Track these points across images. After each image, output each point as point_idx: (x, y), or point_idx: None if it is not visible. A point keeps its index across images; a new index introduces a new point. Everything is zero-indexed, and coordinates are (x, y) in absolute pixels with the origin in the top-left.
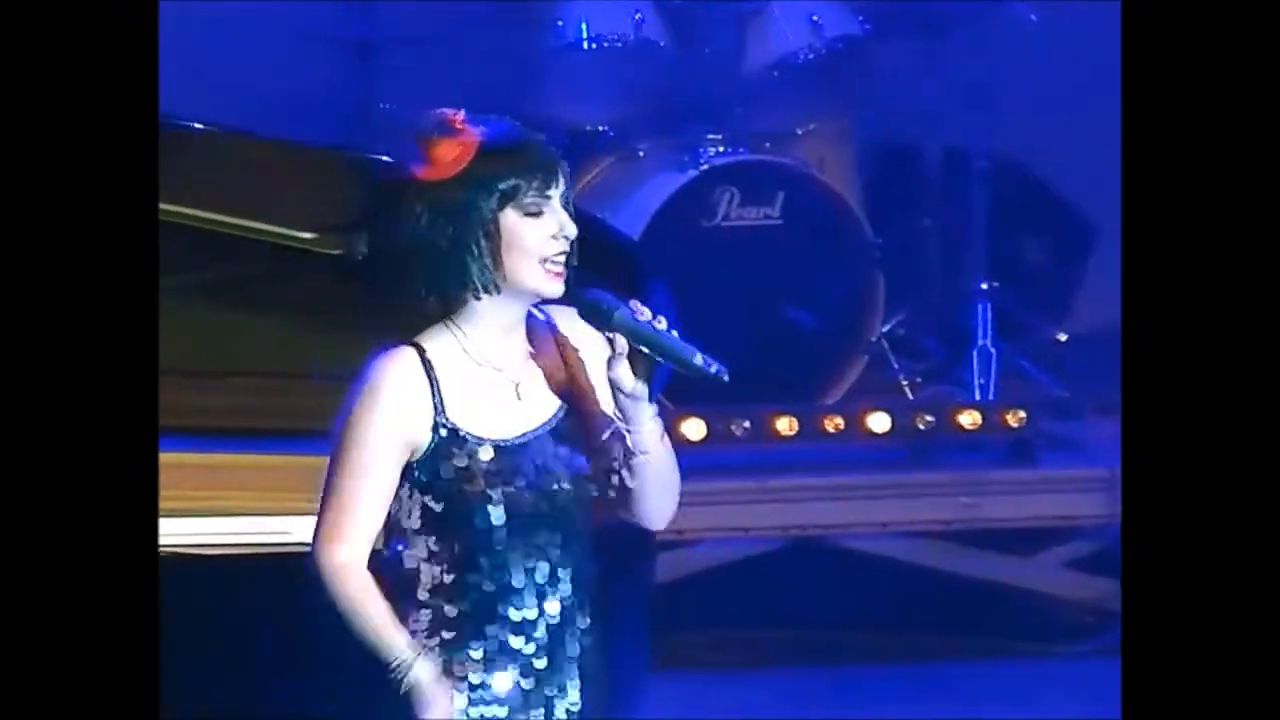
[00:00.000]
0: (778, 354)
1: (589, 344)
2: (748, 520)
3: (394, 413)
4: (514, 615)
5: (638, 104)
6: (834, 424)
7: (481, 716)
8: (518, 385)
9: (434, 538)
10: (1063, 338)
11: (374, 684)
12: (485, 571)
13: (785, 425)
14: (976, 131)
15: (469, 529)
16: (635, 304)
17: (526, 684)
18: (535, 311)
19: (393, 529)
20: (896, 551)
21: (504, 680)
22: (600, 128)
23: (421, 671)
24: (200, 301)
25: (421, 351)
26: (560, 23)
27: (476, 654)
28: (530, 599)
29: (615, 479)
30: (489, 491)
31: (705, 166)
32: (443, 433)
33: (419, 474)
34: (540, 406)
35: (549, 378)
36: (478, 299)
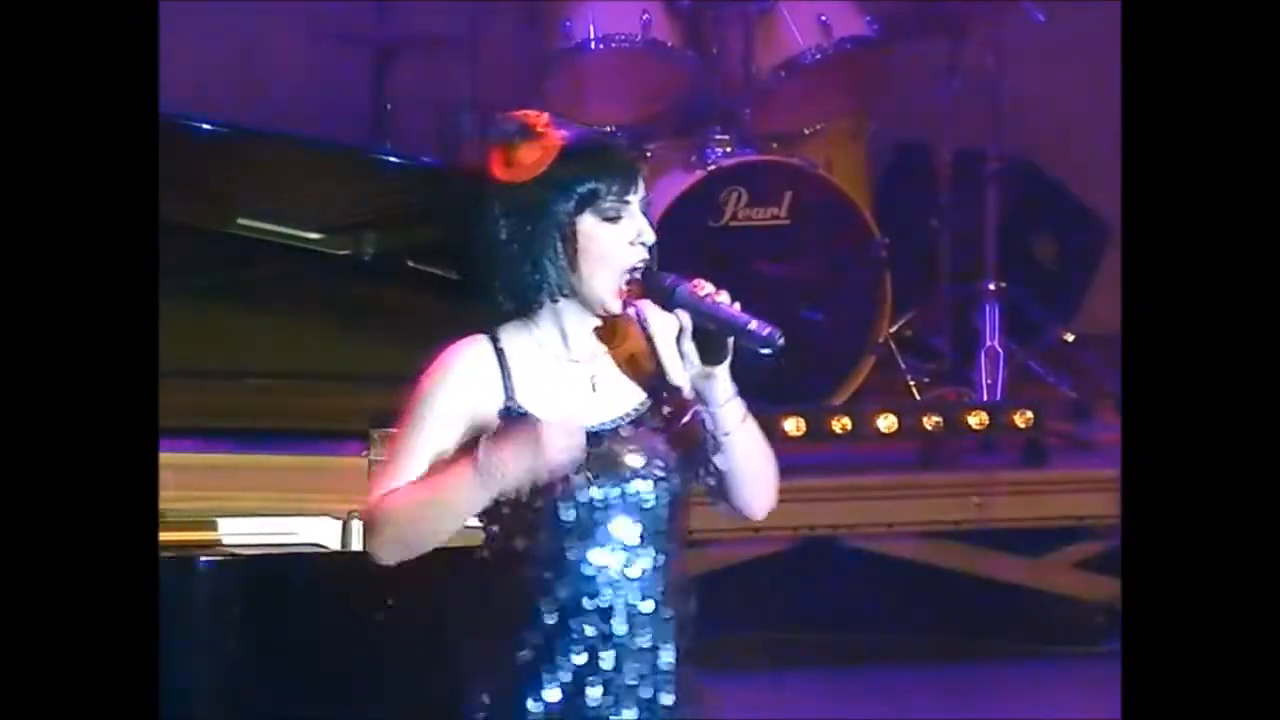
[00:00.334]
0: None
1: (667, 330)
2: (757, 520)
3: (459, 388)
4: (588, 605)
5: (645, 104)
6: (841, 425)
7: (566, 705)
8: (594, 377)
9: (516, 526)
10: (1070, 338)
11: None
12: (564, 560)
13: (793, 426)
14: (985, 131)
15: (546, 516)
16: (698, 281)
17: (606, 674)
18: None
19: (489, 528)
20: (905, 552)
21: (584, 670)
22: (608, 128)
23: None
24: (208, 302)
25: (495, 340)
26: (569, 23)
27: (563, 642)
28: (607, 588)
29: (708, 466)
30: (568, 479)
31: (713, 166)
32: (514, 416)
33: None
34: (618, 398)
35: (631, 369)
36: (554, 302)
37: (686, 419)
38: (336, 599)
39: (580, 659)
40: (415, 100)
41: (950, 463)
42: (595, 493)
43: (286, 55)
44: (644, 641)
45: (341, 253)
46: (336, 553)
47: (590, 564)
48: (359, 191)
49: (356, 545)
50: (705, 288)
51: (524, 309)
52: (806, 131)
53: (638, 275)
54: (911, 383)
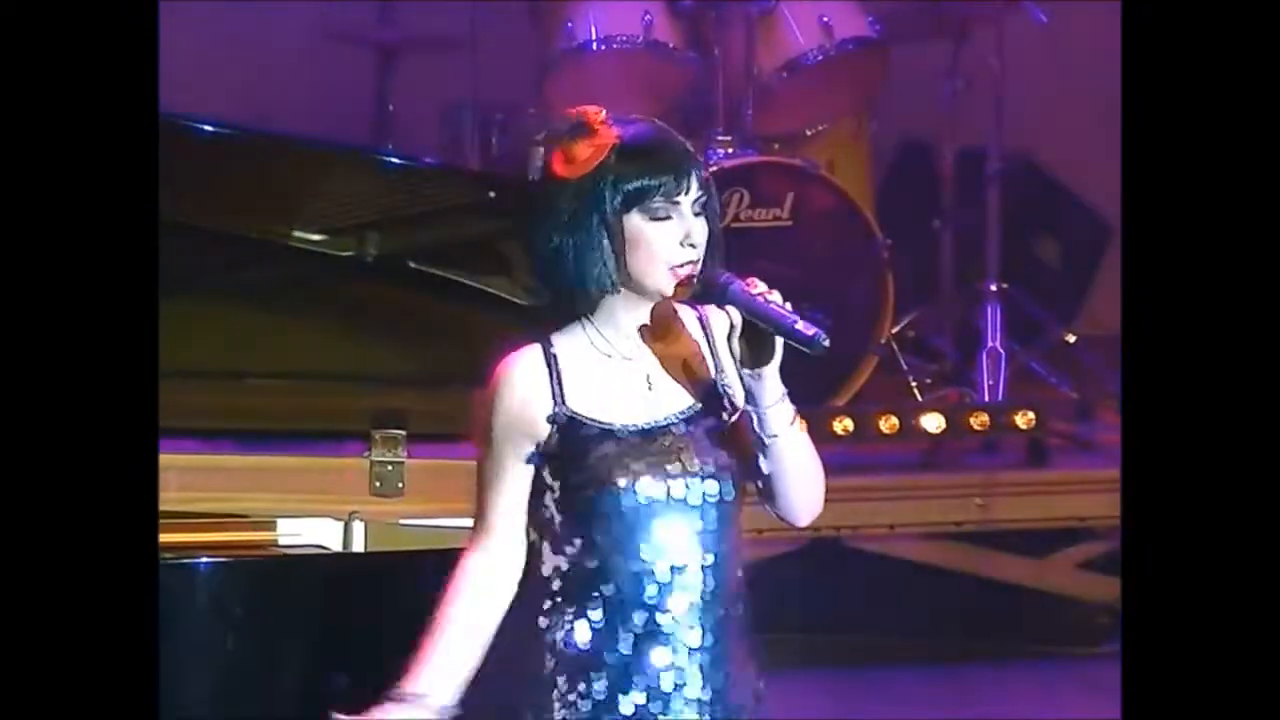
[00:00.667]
0: (786, 355)
1: (723, 329)
2: (759, 522)
3: (508, 412)
4: (635, 602)
5: (647, 105)
6: (843, 426)
7: (610, 701)
8: (649, 375)
9: (569, 525)
10: (1072, 339)
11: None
12: (615, 559)
13: None
14: (987, 132)
15: (598, 515)
16: (751, 280)
17: (652, 671)
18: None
19: (535, 519)
20: (907, 553)
21: (630, 667)
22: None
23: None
24: (208, 302)
25: (547, 346)
26: (570, 24)
27: (612, 641)
28: (653, 587)
29: (757, 469)
30: (616, 478)
31: (715, 167)
32: (562, 420)
33: (547, 462)
34: (673, 397)
35: (686, 369)
36: (602, 298)
37: (735, 418)
38: (338, 600)
39: (626, 656)
40: (417, 100)
41: (952, 464)
42: (644, 491)
43: (287, 55)
44: (692, 641)
45: (343, 253)
46: (338, 554)
47: (638, 562)
48: (360, 192)
49: (357, 546)
50: (758, 286)
51: (573, 305)
52: (808, 132)
53: (689, 273)
54: (913, 383)
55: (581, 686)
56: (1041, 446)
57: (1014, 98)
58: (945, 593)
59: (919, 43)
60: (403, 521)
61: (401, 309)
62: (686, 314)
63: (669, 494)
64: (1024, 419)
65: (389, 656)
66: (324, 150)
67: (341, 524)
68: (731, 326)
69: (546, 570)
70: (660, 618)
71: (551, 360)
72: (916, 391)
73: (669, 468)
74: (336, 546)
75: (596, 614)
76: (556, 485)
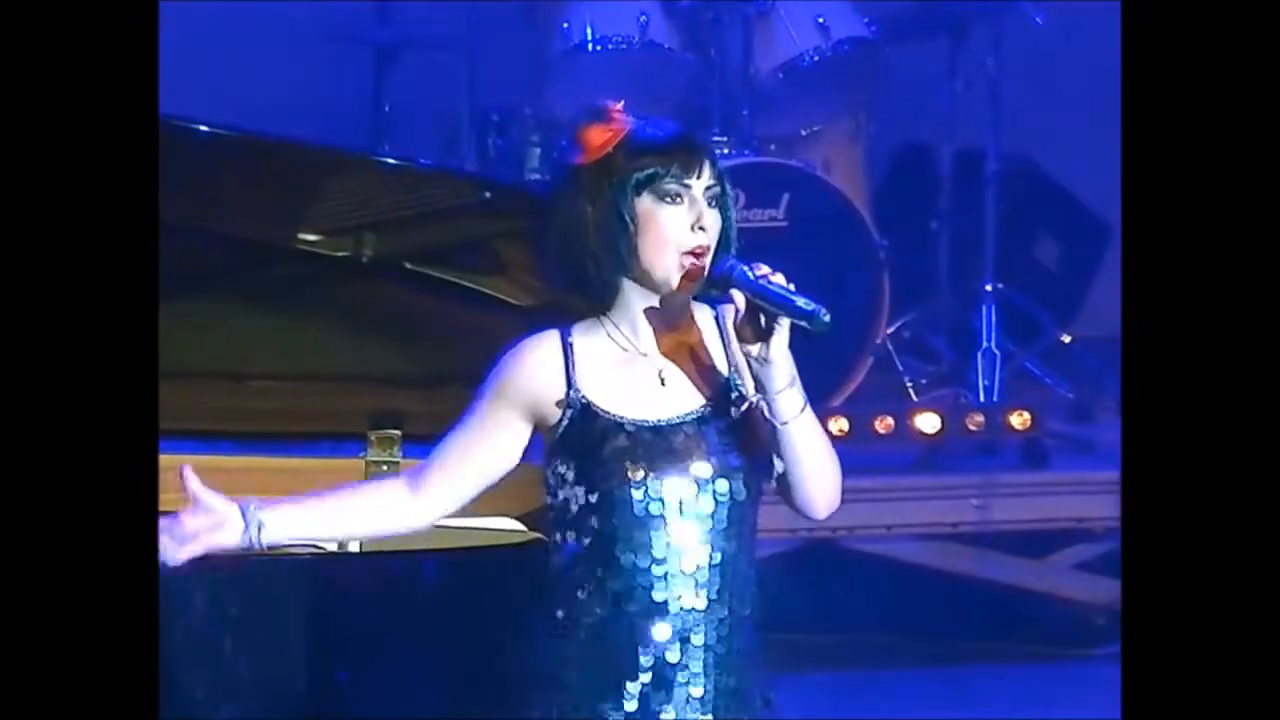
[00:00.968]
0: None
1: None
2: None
3: (514, 383)
4: (643, 600)
5: (644, 106)
6: (839, 426)
7: (616, 700)
8: (661, 371)
9: (581, 518)
10: (1067, 339)
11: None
12: (625, 554)
13: None
14: (984, 133)
15: (609, 509)
16: (758, 264)
17: (659, 670)
18: (698, 304)
19: (549, 511)
20: (904, 554)
21: (639, 663)
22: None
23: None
24: (208, 303)
25: (565, 335)
26: (566, 25)
27: (617, 637)
28: (661, 584)
29: (772, 464)
30: (628, 473)
31: None
32: (576, 405)
33: (561, 449)
34: (685, 395)
35: (700, 366)
36: (615, 284)
37: (745, 406)
38: (334, 599)
39: (632, 654)
40: (413, 101)
41: (948, 464)
42: (653, 488)
43: (286, 56)
44: (696, 640)
45: (339, 254)
46: (334, 553)
47: (646, 558)
48: (357, 193)
49: (353, 546)
50: (761, 269)
51: (587, 291)
52: (805, 133)
53: (698, 260)
54: (909, 384)
55: (587, 677)
56: (1038, 447)
57: (1011, 98)
58: (942, 594)
59: (916, 43)
60: None
61: (398, 310)
62: (702, 312)
63: (679, 492)
64: (1020, 420)
65: (388, 656)
66: (321, 151)
67: None
68: (736, 310)
69: (557, 563)
70: (665, 615)
71: (568, 348)
72: (912, 392)
73: (680, 466)
74: (333, 546)
75: (603, 608)
76: (571, 476)
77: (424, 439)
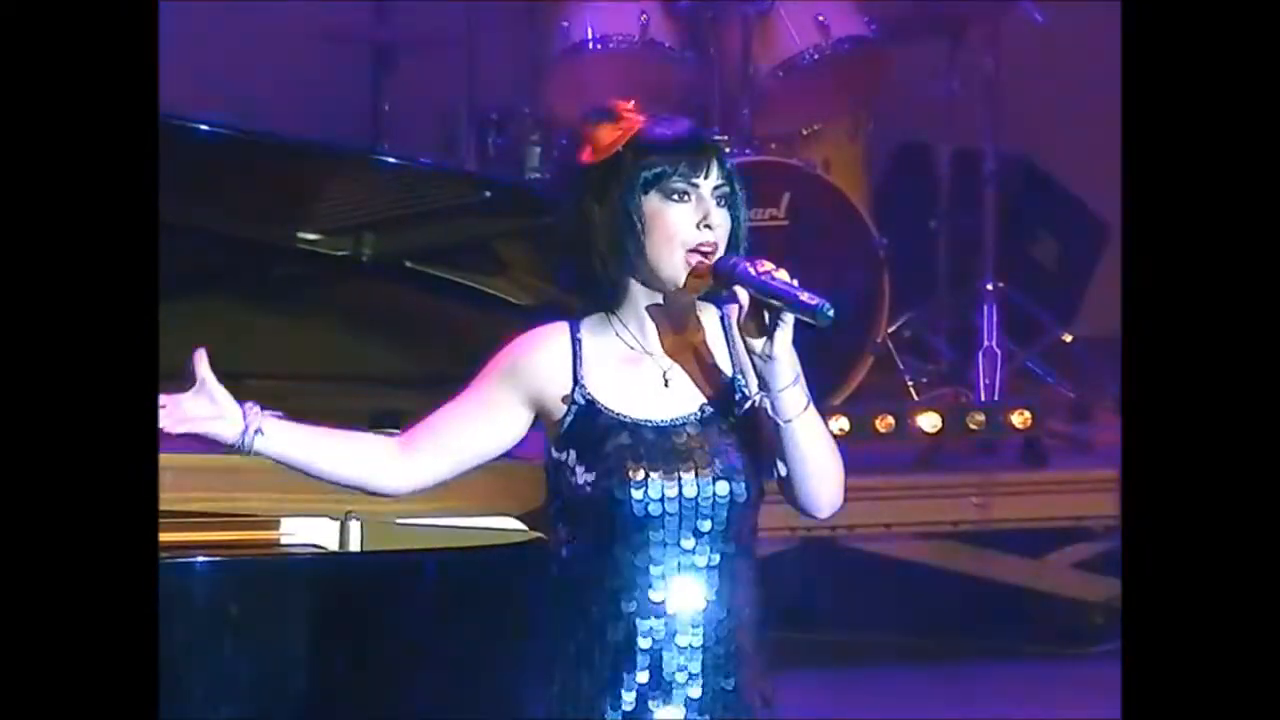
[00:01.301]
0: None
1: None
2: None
3: (526, 366)
4: (641, 600)
5: (643, 105)
6: (839, 425)
7: (615, 698)
8: (666, 372)
9: (582, 515)
10: (1068, 338)
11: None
12: (625, 553)
13: None
14: (984, 132)
15: (609, 508)
16: (761, 260)
17: (658, 669)
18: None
19: (552, 507)
20: (903, 552)
21: (636, 662)
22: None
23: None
24: (207, 303)
25: (574, 329)
26: (566, 24)
27: (614, 635)
28: (660, 583)
29: (775, 464)
30: (629, 472)
31: None
32: (580, 402)
33: (564, 444)
34: (689, 396)
35: (704, 367)
36: (623, 283)
37: (747, 405)
38: (334, 599)
39: (630, 652)
40: (413, 100)
41: (948, 463)
42: (653, 488)
43: (285, 55)
44: (696, 640)
45: (339, 254)
46: (335, 553)
47: (645, 558)
48: (356, 192)
49: (354, 545)
50: (764, 265)
51: (595, 290)
52: (805, 132)
53: (705, 258)
54: (910, 383)
55: (585, 676)
56: (1038, 446)
57: (1011, 97)
58: (941, 592)
59: (916, 43)
60: (399, 521)
61: (398, 310)
62: (708, 312)
63: (680, 492)
64: (1020, 419)
65: (388, 655)
66: (320, 150)
67: (338, 523)
68: (740, 307)
69: (557, 561)
70: (664, 615)
71: (577, 343)
72: (913, 391)
73: (682, 466)
74: (333, 546)
75: (601, 606)
76: (572, 472)
77: None
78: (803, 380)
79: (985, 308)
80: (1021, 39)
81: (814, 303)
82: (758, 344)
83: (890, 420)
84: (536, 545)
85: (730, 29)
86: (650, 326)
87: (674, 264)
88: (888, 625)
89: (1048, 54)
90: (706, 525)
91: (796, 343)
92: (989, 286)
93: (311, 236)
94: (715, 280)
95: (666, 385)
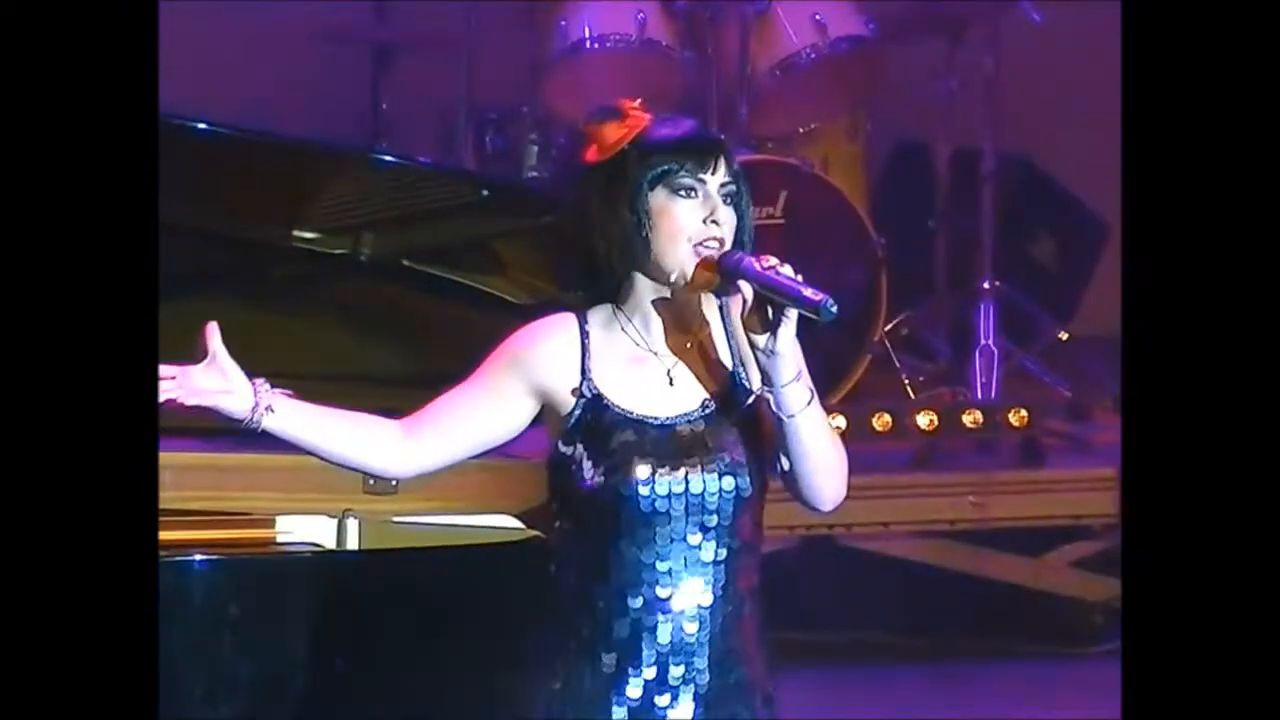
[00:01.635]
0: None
1: (739, 314)
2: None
3: (533, 357)
4: (646, 596)
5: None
6: (837, 424)
7: (618, 692)
8: (670, 370)
9: (585, 509)
10: (1064, 337)
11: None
12: (630, 549)
13: None
14: (982, 131)
15: (614, 504)
16: (765, 256)
17: (663, 665)
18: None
19: (555, 507)
20: (901, 551)
21: (642, 657)
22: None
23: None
24: (207, 303)
25: (582, 321)
26: (564, 23)
27: (620, 631)
28: (665, 579)
29: (779, 459)
30: (635, 468)
31: None
32: (587, 395)
33: (569, 437)
34: (692, 393)
35: (707, 364)
36: (629, 281)
37: (751, 400)
38: (331, 598)
39: (633, 645)
40: (411, 100)
41: (946, 462)
42: (659, 484)
43: (284, 55)
44: (701, 635)
45: (337, 253)
46: (332, 551)
47: (652, 554)
48: (355, 191)
49: (352, 544)
50: (768, 260)
51: (603, 285)
52: (802, 131)
53: (710, 253)
54: (907, 381)
55: (589, 670)
56: (1036, 445)
57: (1009, 97)
58: (939, 591)
59: (914, 42)
60: (396, 520)
61: (397, 309)
62: (711, 308)
63: (686, 488)
64: (1017, 417)
65: (387, 654)
66: (319, 150)
67: (335, 522)
68: (744, 301)
69: (560, 557)
70: (669, 611)
71: (585, 336)
72: (910, 389)
73: (687, 461)
74: (331, 545)
75: (606, 602)
76: (577, 466)
77: None
78: (806, 375)
79: (983, 307)
80: (1020, 38)
81: (817, 299)
82: (761, 340)
83: (888, 419)
84: (534, 543)
85: (728, 28)
86: (656, 324)
87: (680, 259)
88: (886, 624)
89: (1047, 53)
90: (712, 520)
91: (798, 339)
92: (987, 285)
93: (310, 236)
94: (720, 276)
95: (671, 384)
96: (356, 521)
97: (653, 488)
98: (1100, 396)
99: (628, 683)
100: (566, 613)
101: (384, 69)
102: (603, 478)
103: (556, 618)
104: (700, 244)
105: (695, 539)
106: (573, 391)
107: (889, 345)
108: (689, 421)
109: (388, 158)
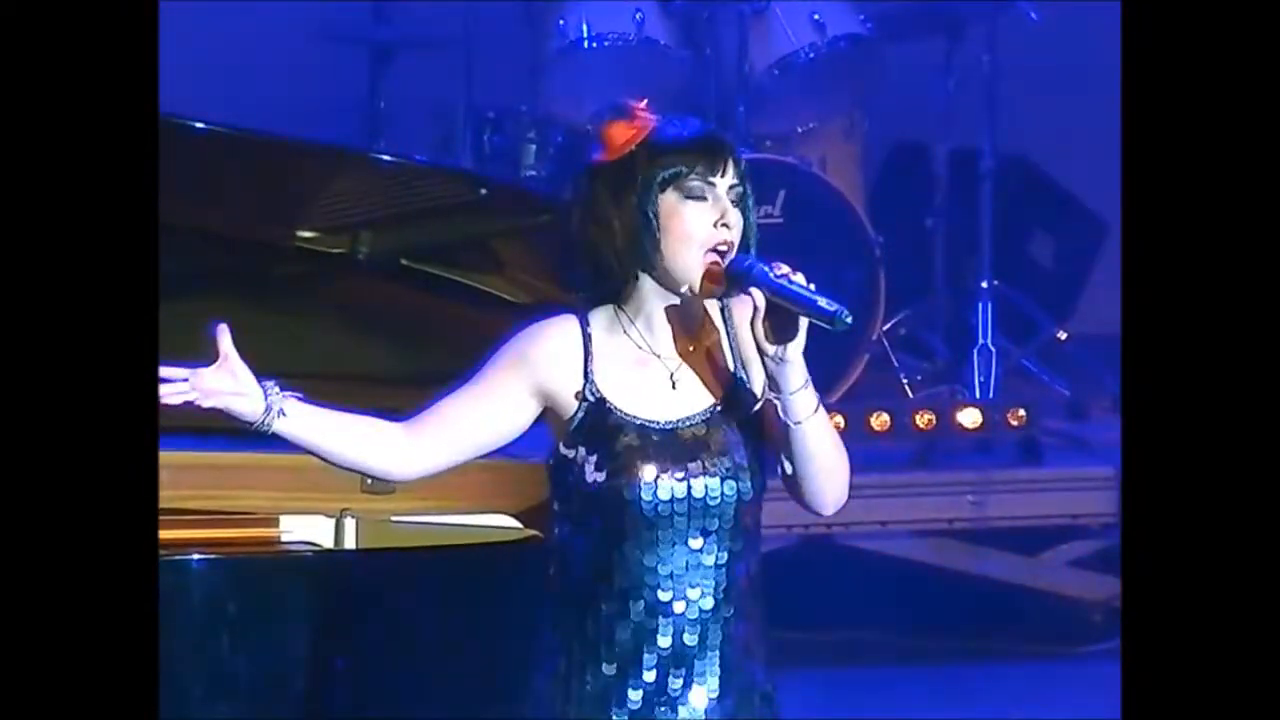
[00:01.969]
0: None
1: (746, 319)
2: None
3: (536, 359)
4: (647, 598)
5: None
6: (835, 423)
7: (620, 695)
8: (673, 373)
9: (587, 511)
10: (1063, 336)
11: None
12: (632, 551)
13: None
14: (980, 130)
15: (616, 506)
16: (777, 263)
17: (664, 668)
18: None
19: (556, 508)
20: (899, 550)
21: (643, 660)
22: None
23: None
24: (207, 302)
25: (584, 324)
26: (562, 22)
27: (621, 634)
28: (667, 582)
29: (782, 462)
30: (638, 471)
31: None
32: (590, 399)
33: (571, 440)
34: (695, 396)
35: (711, 366)
36: (636, 279)
37: (757, 406)
38: (330, 597)
39: (636, 652)
40: (410, 99)
41: (944, 461)
42: (662, 488)
43: (284, 55)
44: (702, 638)
45: (335, 252)
46: (330, 551)
47: (653, 557)
48: (353, 190)
49: (350, 544)
50: (782, 268)
51: (608, 287)
52: (800, 130)
53: (720, 257)
54: (905, 381)
55: (590, 675)
56: (1034, 444)
57: (1007, 96)
58: (938, 590)
59: (912, 41)
60: (394, 519)
61: (396, 309)
62: (715, 311)
63: (689, 492)
64: (1015, 416)
65: (387, 654)
66: (317, 149)
67: (333, 521)
68: (755, 309)
69: (561, 559)
70: (670, 614)
71: (587, 338)
72: (908, 388)
73: (689, 466)
74: (328, 544)
75: (608, 605)
76: (579, 468)
77: None
78: (811, 382)
79: (981, 306)
80: (1018, 37)
81: (832, 308)
82: (771, 347)
83: (886, 418)
84: (533, 543)
85: (726, 27)
86: (660, 327)
87: (689, 263)
88: (884, 623)
89: (1045, 52)
90: (714, 524)
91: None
92: (985, 284)
93: (308, 235)
94: (731, 282)
95: (674, 388)
96: (354, 521)
97: (655, 491)
98: (1098, 396)
99: (629, 685)
100: (567, 614)
101: (382, 68)
102: (605, 480)
103: (557, 619)
104: (711, 248)
105: (697, 543)
106: (576, 395)
107: (887, 344)
108: (692, 425)
109: (386, 157)
